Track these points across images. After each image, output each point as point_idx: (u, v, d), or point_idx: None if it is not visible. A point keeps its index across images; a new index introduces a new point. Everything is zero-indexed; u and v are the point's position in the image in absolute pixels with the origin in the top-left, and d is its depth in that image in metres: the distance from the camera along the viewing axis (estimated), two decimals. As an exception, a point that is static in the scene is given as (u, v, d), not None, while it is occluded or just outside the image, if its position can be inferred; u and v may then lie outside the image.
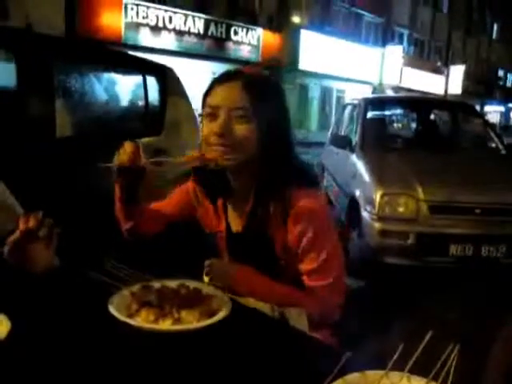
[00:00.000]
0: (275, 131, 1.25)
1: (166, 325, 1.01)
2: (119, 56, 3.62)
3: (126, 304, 1.07)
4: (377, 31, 23.33)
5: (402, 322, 2.87)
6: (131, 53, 4.71)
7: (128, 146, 1.27)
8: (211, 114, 1.23)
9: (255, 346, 1.04)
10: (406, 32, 24.91)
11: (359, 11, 21.98)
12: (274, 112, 1.26)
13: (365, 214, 4.02)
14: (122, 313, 1.02)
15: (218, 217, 1.42)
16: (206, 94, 1.28)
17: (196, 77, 15.00)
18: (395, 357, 0.87)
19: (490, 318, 2.97)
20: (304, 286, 1.27)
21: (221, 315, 1.04)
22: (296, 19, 18.23)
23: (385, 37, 23.33)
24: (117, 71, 3.35)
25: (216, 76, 1.30)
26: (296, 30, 18.19)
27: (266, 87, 1.27)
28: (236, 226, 1.38)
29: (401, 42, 24.05)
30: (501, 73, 33.48)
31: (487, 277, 3.73)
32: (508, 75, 33.60)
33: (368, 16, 22.52)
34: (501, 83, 33.10)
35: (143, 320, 1.01)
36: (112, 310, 1.02)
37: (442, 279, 3.75)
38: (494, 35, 33.15)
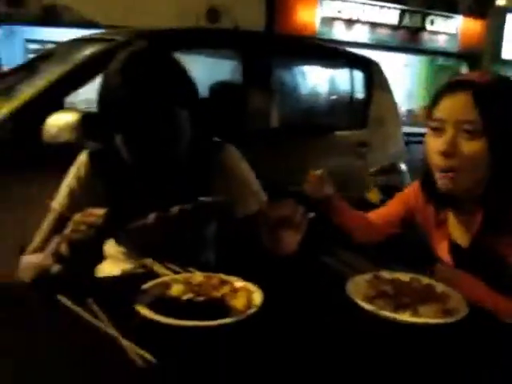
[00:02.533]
0: (510, 147, 1.14)
1: (405, 316, 1.02)
2: (328, 50, 3.73)
3: (362, 290, 1.11)
4: None
5: None
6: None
7: (312, 177, 1.43)
8: (436, 128, 1.17)
9: (491, 352, 1.00)
10: None
11: None
12: (510, 126, 1.14)
13: None
14: (358, 298, 1.06)
15: (440, 227, 1.36)
16: (432, 106, 1.21)
17: (388, 69, 14.67)
18: None
19: None
20: None
21: (460, 314, 1.02)
22: (501, 2, 16.50)
23: None
24: (325, 65, 3.47)
25: (443, 86, 1.21)
26: (501, 14, 16.47)
27: (500, 98, 1.14)
28: (461, 239, 1.31)
29: None
30: None
31: None
32: None
33: None
34: None
35: (381, 308, 1.04)
36: (350, 294, 1.07)
37: None
38: None
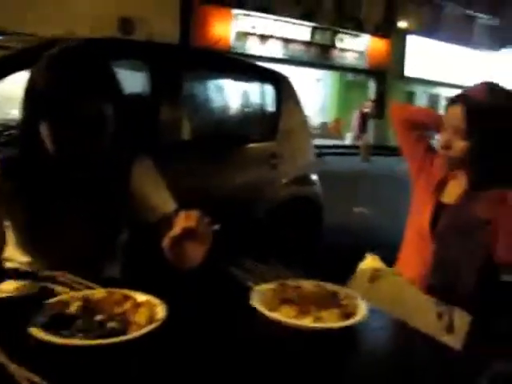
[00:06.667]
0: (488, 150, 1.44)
1: (307, 322, 1.04)
2: (239, 64, 3.77)
3: (266, 299, 1.12)
4: (492, 34, 21.90)
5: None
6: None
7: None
8: (444, 128, 1.51)
9: (388, 351, 1.05)
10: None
11: (472, 13, 20.80)
12: (489, 134, 1.43)
13: None
14: (263, 307, 1.07)
15: (436, 189, 1.64)
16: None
17: (301, 84, 15.12)
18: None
19: None
20: None
21: (359, 317, 1.06)
22: (403, 24, 17.70)
23: (501, 39, 21.82)
24: (236, 78, 3.50)
25: (451, 98, 1.53)
26: (402, 35, 17.67)
27: (486, 113, 1.42)
28: (449, 199, 1.59)
29: (519, 46, 22.35)
30: None
31: None
32: None
33: (482, 18, 21.24)
34: None
35: (285, 315, 1.06)
36: (255, 303, 1.08)
37: None
38: None
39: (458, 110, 1.45)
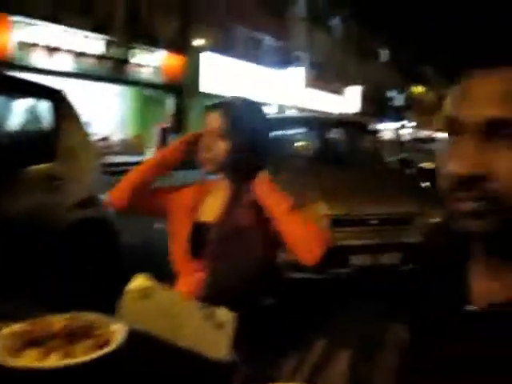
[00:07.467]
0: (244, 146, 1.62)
1: (52, 361, 0.96)
2: (7, 79, 3.41)
3: (9, 344, 1.00)
4: (277, 54, 24.18)
5: (299, 333, 2.94)
6: (23, 74, 4.46)
7: None
8: (204, 134, 1.68)
9: (150, 373, 1.03)
10: (304, 55, 26.07)
11: (259, 36, 22.66)
12: (243, 133, 1.62)
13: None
14: (4, 353, 0.96)
15: (193, 210, 1.75)
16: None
17: (96, 99, 14.54)
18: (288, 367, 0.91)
19: (386, 323, 3.14)
20: None
21: (112, 346, 1.01)
22: (197, 42, 18.39)
23: (285, 60, 24.25)
24: (5, 95, 3.15)
25: (208, 105, 1.72)
26: (196, 52, 18.35)
27: (240, 115, 1.65)
28: (209, 216, 1.68)
29: (301, 65, 25.09)
30: (391, 94, 36.13)
31: (387, 284, 3.94)
32: (396, 96, 36.43)
33: (268, 40, 23.29)
34: (391, 103, 35.69)
35: (28, 359, 0.96)
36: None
37: (345, 289, 3.90)
38: (384, 59, 35.94)
39: (217, 115, 1.65)
